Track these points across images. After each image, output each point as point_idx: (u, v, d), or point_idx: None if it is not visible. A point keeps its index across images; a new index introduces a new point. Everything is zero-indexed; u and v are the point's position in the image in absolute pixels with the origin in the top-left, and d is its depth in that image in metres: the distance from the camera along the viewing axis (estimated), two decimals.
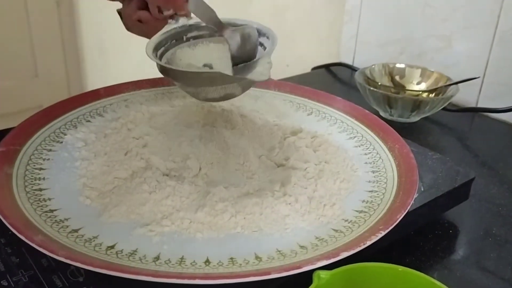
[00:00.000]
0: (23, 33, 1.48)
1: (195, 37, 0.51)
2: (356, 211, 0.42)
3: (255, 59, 0.46)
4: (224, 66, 0.48)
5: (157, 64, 0.46)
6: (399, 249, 0.45)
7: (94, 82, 1.60)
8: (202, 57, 0.51)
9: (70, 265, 0.34)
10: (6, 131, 0.48)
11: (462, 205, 0.50)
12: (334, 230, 0.40)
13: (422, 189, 0.46)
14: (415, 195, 0.41)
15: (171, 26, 0.50)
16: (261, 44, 0.49)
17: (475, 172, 0.50)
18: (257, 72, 0.44)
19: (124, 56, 1.33)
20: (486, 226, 0.49)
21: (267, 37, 0.48)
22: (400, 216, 0.38)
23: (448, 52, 0.80)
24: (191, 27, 0.51)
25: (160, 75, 0.48)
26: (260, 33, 0.49)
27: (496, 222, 0.50)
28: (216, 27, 0.48)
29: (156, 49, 0.48)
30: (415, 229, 0.47)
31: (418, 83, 0.76)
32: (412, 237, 0.46)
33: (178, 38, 0.50)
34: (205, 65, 0.51)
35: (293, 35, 1.01)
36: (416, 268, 0.33)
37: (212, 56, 0.51)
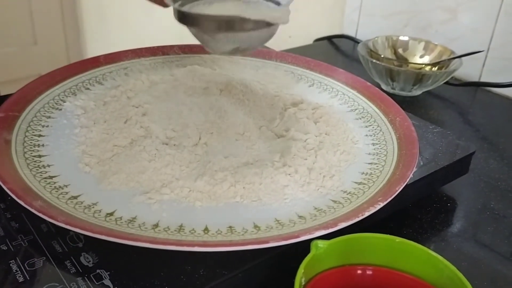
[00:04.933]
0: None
1: None
2: (355, 182, 0.42)
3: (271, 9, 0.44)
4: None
5: (175, 11, 0.43)
6: (397, 221, 0.45)
7: (94, 50, 1.58)
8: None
9: (69, 230, 0.34)
10: (5, 97, 0.48)
11: (461, 179, 0.50)
12: (333, 201, 0.40)
13: (422, 163, 0.46)
14: (415, 169, 0.41)
15: None
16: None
17: (476, 146, 0.50)
18: (276, 16, 0.42)
19: (124, 23, 1.31)
20: (484, 200, 0.50)
21: None
22: (399, 188, 0.38)
23: (453, 25, 0.78)
24: None
25: (160, 43, 0.47)
26: None
27: (494, 196, 0.50)
28: None
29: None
30: (413, 201, 0.47)
31: (421, 56, 0.76)
32: (410, 210, 0.47)
33: None
34: None
35: (296, 5, 0.99)
36: (413, 240, 0.33)
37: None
